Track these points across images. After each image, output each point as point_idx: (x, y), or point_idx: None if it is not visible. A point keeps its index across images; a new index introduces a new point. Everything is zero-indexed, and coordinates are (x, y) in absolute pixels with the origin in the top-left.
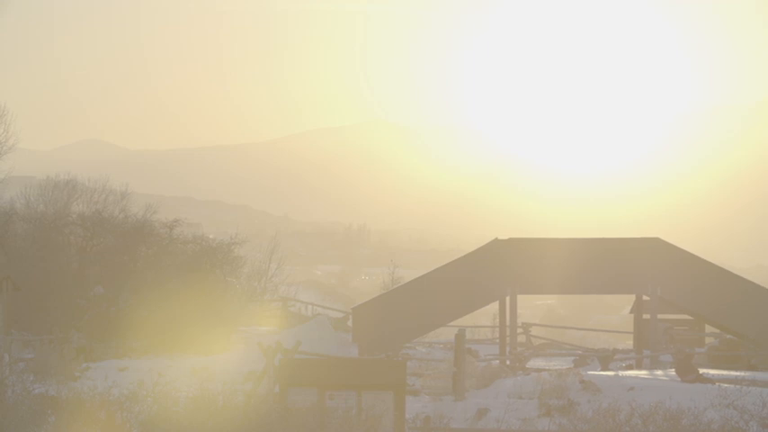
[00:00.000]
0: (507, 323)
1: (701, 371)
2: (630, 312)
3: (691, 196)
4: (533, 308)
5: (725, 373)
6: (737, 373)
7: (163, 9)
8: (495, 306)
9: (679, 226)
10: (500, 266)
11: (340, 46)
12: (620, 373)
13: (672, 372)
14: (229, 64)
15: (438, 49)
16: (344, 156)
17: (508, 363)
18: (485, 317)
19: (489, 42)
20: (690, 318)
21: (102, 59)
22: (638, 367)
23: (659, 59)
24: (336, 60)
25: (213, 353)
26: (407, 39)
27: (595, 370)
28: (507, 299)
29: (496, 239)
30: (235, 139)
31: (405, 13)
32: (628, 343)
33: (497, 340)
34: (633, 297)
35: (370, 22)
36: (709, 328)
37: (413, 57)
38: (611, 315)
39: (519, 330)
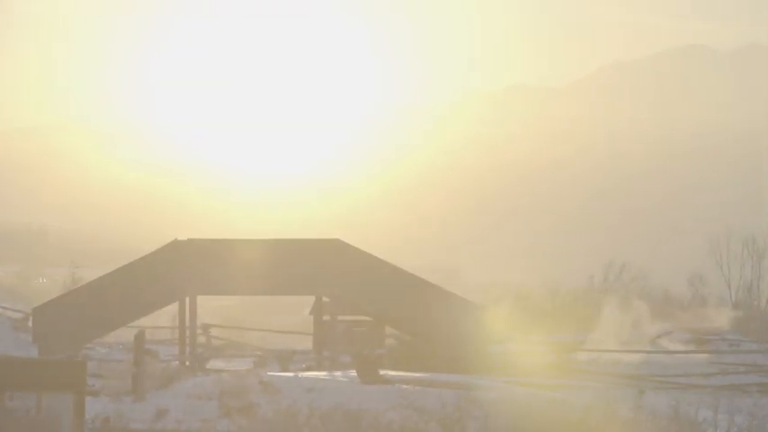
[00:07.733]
0: (187, 324)
1: (381, 372)
2: (310, 314)
3: (374, 197)
4: (212, 309)
5: (404, 374)
6: (417, 375)
7: None
8: (175, 307)
9: (364, 227)
10: (179, 267)
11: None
12: (300, 374)
13: (352, 373)
14: None
15: (128, 52)
16: (31, 156)
17: (188, 363)
18: (164, 318)
19: (178, 46)
20: (369, 319)
21: None
22: (319, 368)
23: (343, 60)
24: (29, 62)
25: None
26: (99, 42)
27: (275, 371)
28: (187, 300)
29: (176, 240)
30: None
31: (100, 17)
32: (308, 344)
33: (177, 341)
34: (314, 298)
35: (64, 26)
36: (389, 329)
37: (103, 60)
38: (291, 316)
39: (199, 331)
